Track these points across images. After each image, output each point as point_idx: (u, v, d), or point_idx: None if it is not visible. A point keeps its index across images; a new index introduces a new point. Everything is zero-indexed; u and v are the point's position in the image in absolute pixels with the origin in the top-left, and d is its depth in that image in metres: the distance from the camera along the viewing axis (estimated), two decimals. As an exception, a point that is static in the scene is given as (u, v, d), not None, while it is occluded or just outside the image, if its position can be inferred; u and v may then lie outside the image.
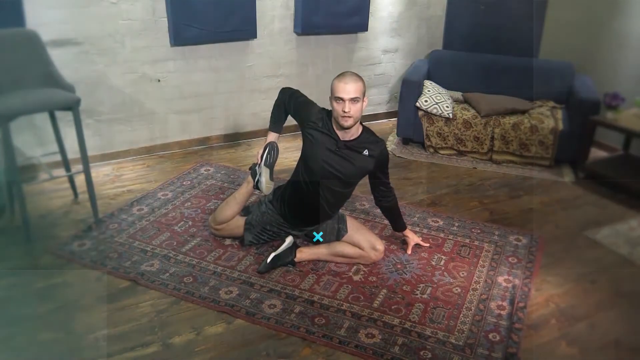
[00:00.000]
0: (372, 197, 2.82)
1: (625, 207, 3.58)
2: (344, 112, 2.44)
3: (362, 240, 2.80)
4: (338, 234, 2.84)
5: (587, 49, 4.62)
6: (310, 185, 2.69)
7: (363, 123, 2.66)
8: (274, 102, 2.86)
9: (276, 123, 2.87)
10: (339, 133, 2.58)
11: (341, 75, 2.50)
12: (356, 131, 2.60)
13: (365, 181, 2.70)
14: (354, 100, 2.44)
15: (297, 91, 2.81)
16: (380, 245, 2.81)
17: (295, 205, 2.80)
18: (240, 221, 2.93)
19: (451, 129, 4.31)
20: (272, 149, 2.86)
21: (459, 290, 2.64)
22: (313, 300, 2.52)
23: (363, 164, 2.63)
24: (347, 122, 2.48)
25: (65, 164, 3.35)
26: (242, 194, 2.96)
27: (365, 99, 2.53)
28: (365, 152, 2.61)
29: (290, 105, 2.76)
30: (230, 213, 2.93)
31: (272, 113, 2.87)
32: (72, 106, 2.92)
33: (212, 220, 3.01)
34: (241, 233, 2.93)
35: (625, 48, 4.33)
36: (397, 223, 2.93)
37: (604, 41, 4.50)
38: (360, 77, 2.50)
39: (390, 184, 2.81)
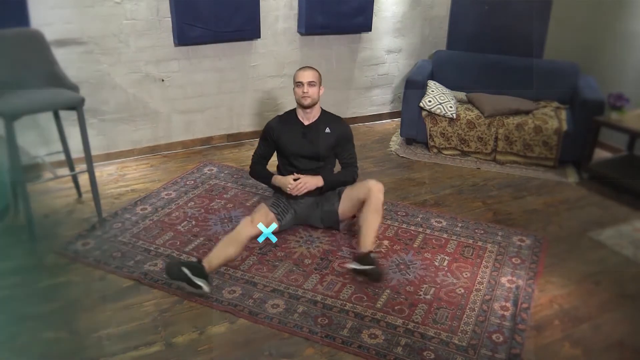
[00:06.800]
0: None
1: (629, 208, 3.56)
2: (304, 92, 2.91)
3: (360, 186, 2.95)
4: (339, 193, 3.06)
5: (591, 50, 4.60)
6: (296, 171, 3.02)
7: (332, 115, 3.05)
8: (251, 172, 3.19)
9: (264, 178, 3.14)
10: (302, 119, 3.03)
11: (300, 68, 3.01)
12: (317, 112, 3.05)
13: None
14: (311, 83, 2.91)
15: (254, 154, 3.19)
16: (375, 182, 2.91)
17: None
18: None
19: (455, 130, 4.31)
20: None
21: (463, 291, 2.64)
22: (316, 300, 2.52)
23: (327, 140, 3.01)
24: (307, 101, 2.94)
25: (69, 163, 3.36)
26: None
27: (322, 87, 3.01)
28: (327, 130, 3.02)
29: (259, 155, 3.14)
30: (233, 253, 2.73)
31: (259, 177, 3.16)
32: (76, 106, 2.93)
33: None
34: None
35: (629, 48, 4.31)
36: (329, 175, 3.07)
37: (608, 41, 4.48)
38: (317, 70, 3.00)
39: (353, 165, 3.09)
